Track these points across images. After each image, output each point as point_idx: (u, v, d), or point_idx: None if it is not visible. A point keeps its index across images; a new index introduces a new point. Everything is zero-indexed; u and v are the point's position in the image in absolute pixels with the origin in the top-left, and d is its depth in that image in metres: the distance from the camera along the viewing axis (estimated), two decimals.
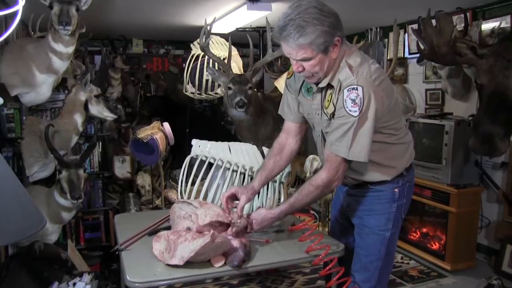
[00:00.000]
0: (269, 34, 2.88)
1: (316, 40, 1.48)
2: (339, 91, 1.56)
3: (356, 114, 1.50)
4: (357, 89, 1.50)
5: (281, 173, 2.08)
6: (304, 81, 1.77)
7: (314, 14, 1.47)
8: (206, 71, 3.34)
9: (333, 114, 1.59)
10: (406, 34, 4.26)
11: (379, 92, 1.54)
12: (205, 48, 2.98)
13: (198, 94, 3.61)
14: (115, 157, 4.32)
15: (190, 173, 2.16)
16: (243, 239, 1.63)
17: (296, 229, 1.91)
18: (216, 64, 3.15)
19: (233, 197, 1.80)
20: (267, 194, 2.12)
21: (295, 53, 1.53)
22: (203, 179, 2.14)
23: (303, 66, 1.57)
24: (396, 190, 1.75)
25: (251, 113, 3.01)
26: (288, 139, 1.91)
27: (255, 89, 3.14)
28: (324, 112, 1.66)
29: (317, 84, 1.66)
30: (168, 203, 4.03)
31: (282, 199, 2.15)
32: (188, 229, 1.65)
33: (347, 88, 1.52)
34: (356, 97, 1.50)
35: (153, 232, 1.88)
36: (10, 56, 2.60)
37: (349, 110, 1.51)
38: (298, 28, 1.47)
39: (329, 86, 1.63)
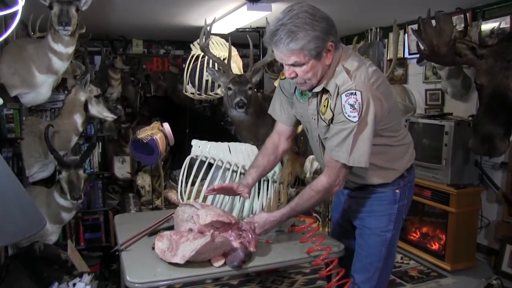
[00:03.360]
0: None
1: (307, 45, 1.46)
2: (336, 96, 1.54)
3: (356, 119, 1.48)
4: (355, 94, 1.48)
5: (273, 171, 2.10)
6: None
7: (306, 19, 1.45)
8: (206, 71, 3.34)
9: (331, 120, 1.57)
10: (406, 34, 4.26)
11: (378, 95, 1.52)
12: (205, 49, 2.98)
13: (198, 94, 3.61)
14: (115, 157, 4.33)
15: (190, 174, 2.16)
16: (251, 242, 1.63)
17: (298, 231, 1.91)
18: (216, 64, 3.14)
19: (229, 189, 1.83)
20: (267, 194, 2.12)
21: (286, 58, 1.51)
22: (203, 179, 2.14)
23: (295, 72, 1.55)
24: (398, 191, 1.74)
25: (251, 113, 3.01)
26: (280, 139, 1.92)
27: (255, 90, 3.14)
28: (321, 118, 1.64)
29: (310, 90, 1.64)
30: (168, 204, 4.03)
31: (282, 200, 2.15)
32: (190, 230, 1.66)
33: (345, 93, 1.50)
34: (355, 102, 1.48)
35: (153, 232, 1.88)
36: (10, 57, 2.59)
37: (348, 115, 1.49)
38: (289, 33, 1.45)
39: (324, 90, 1.61)
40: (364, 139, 1.51)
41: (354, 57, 1.59)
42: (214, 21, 3.16)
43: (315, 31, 1.45)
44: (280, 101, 1.88)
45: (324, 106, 1.61)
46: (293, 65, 1.52)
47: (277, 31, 1.47)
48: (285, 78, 1.81)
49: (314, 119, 1.69)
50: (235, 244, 1.60)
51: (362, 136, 1.51)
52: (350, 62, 1.56)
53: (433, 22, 2.88)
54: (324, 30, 1.47)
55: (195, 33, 3.40)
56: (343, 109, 1.49)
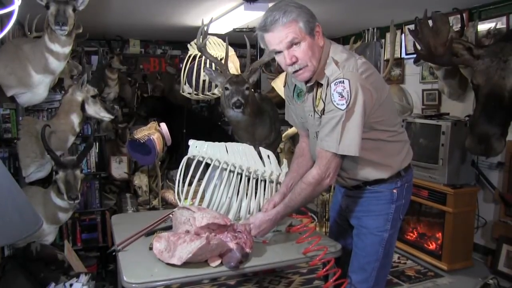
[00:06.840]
0: None
1: (300, 17, 1.53)
2: (327, 86, 1.57)
3: (344, 107, 1.51)
4: (343, 82, 1.51)
5: (270, 171, 2.10)
6: (295, 86, 1.79)
7: (291, 3, 1.56)
8: (203, 71, 3.33)
9: (323, 111, 1.60)
10: (403, 34, 4.27)
11: (367, 85, 1.55)
12: (202, 49, 2.98)
13: (195, 94, 3.61)
14: (112, 157, 4.31)
15: (187, 174, 2.16)
16: (247, 243, 1.63)
17: (294, 231, 1.91)
18: (213, 64, 3.14)
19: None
20: (264, 195, 2.12)
21: (284, 36, 1.54)
22: (200, 179, 2.14)
23: (295, 56, 1.57)
24: (395, 191, 1.74)
25: (248, 113, 3.00)
26: (306, 141, 1.94)
27: (252, 90, 3.14)
28: (315, 112, 1.67)
29: (307, 83, 1.67)
30: (165, 204, 4.02)
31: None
32: (187, 232, 1.66)
33: (334, 82, 1.53)
34: (343, 90, 1.51)
35: (150, 232, 1.88)
36: (6, 56, 2.58)
37: (337, 104, 1.52)
38: (281, 11, 1.53)
39: (319, 84, 1.64)
40: (353, 127, 1.53)
41: (343, 50, 1.64)
42: (211, 21, 3.15)
43: (302, 9, 1.56)
44: (288, 108, 1.95)
45: (318, 99, 1.64)
46: (291, 45, 1.55)
47: (268, 17, 1.55)
48: (285, 85, 1.88)
49: (311, 115, 1.71)
50: (231, 245, 1.61)
51: (350, 124, 1.53)
52: (339, 54, 1.61)
53: (430, 22, 2.89)
54: (310, 12, 1.57)
55: (192, 33, 3.39)
56: (332, 97, 1.53)
